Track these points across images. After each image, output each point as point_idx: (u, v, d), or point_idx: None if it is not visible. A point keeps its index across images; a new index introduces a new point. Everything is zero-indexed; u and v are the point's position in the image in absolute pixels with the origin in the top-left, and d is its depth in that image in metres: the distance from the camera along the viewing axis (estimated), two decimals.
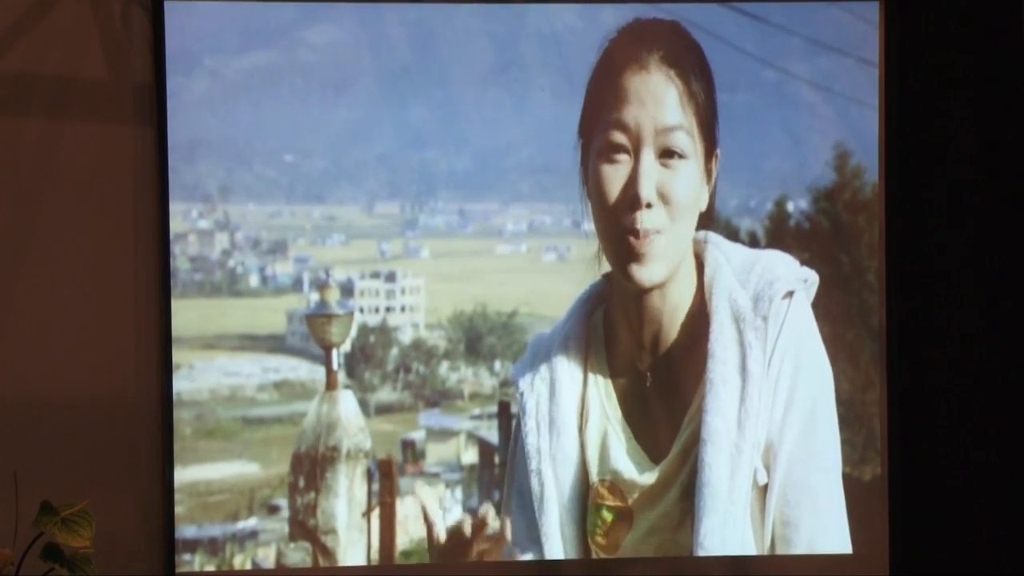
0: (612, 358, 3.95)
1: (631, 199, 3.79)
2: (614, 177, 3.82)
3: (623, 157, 3.81)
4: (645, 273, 3.82)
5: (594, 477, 3.92)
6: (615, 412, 3.91)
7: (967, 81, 4.27)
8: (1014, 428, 4.28)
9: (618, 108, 3.83)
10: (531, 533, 3.95)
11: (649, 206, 3.78)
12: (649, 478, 3.89)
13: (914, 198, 4.25)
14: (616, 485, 3.91)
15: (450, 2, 4.15)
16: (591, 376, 3.94)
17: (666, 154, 3.80)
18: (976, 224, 4.29)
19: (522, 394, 3.95)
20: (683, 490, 3.86)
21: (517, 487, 4.00)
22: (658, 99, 3.82)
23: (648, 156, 3.78)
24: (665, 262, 3.82)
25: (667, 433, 3.91)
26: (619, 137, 3.81)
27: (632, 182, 3.79)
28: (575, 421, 3.92)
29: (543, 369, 3.96)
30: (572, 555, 3.98)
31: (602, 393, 3.92)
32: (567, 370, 3.93)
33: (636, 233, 3.79)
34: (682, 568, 3.97)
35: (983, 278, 4.29)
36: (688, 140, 3.81)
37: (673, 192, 3.79)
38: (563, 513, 3.91)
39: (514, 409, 4.18)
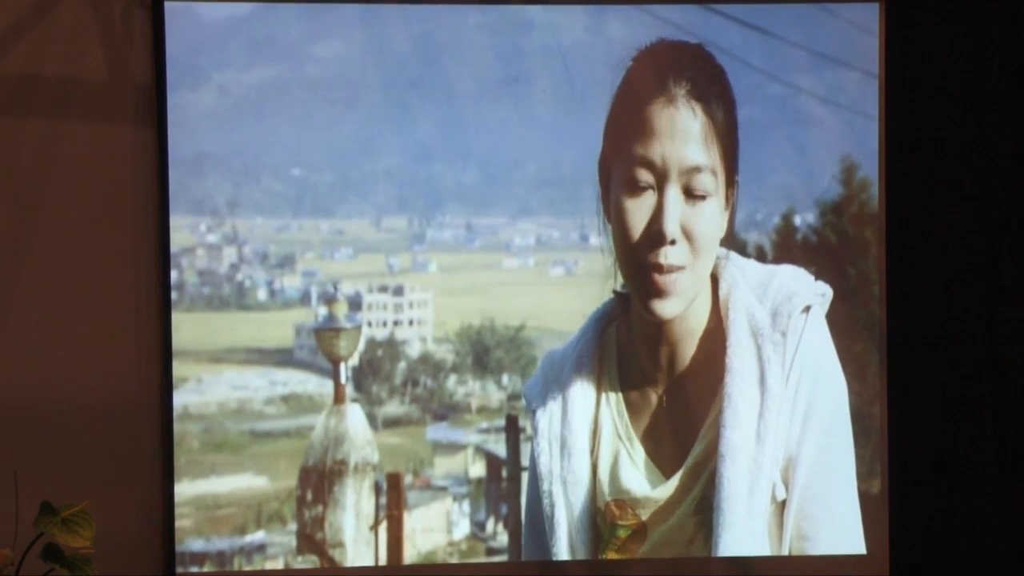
0: (625, 376, 3.94)
1: (655, 235, 3.77)
2: (637, 211, 3.80)
3: (647, 192, 3.79)
4: (666, 308, 3.81)
5: (606, 496, 3.91)
6: (626, 430, 3.90)
7: (968, 90, 4.28)
8: (1014, 434, 4.28)
9: (643, 142, 3.80)
10: (542, 554, 3.94)
11: (673, 243, 3.76)
12: (661, 492, 3.87)
13: (915, 209, 4.26)
14: (628, 502, 3.89)
15: (455, 3, 4.17)
16: (603, 395, 3.93)
17: (691, 192, 3.78)
18: (979, 234, 4.29)
19: (534, 413, 3.95)
20: (696, 504, 3.85)
21: (528, 508, 4.00)
22: (685, 136, 3.79)
23: (673, 192, 3.77)
24: (685, 298, 3.81)
25: (680, 447, 3.90)
26: (644, 174, 3.78)
27: (657, 218, 3.77)
28: (587, 443, 3.91)
29: (555, 389, 3.94)
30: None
31: (614, 411, 3.91)
32: (580, 390, 3.92)
33: (660, 269, 3.77)
34: (682, 568, 3.96)
35: (986, 289, 4.29)
36: (712, 179, 3.79)
37: (696, 229, 3.78)
38: (573, 534, 3.90)
39: (522, 423, 4.19)
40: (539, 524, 3.94)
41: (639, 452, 3.89)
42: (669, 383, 3.92)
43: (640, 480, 3.88)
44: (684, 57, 3.94)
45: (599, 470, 3.90)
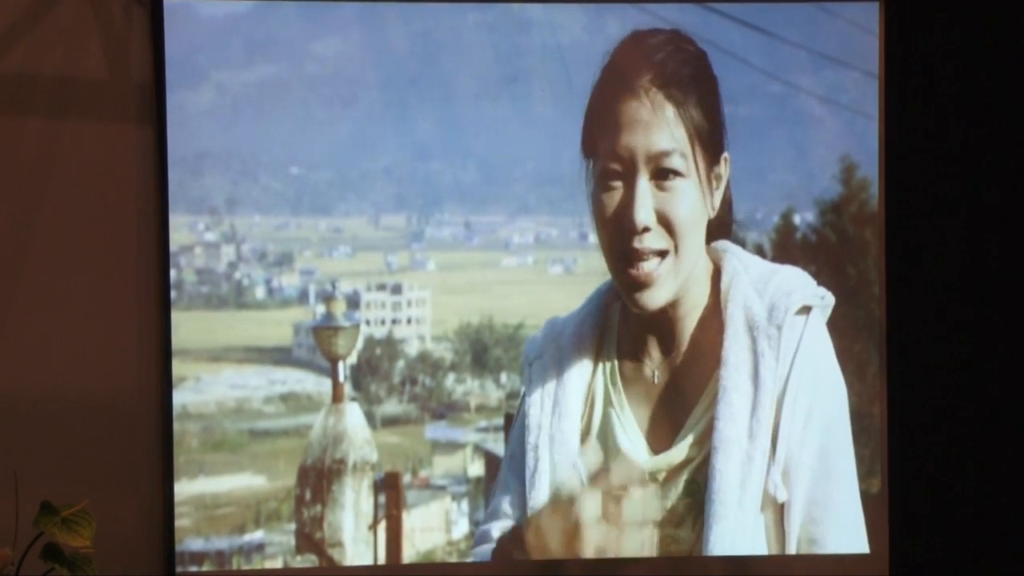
0: (622, 349, 3.95)
1: (627, 224, 3.80)
2: (610, 204, 3.83)
3: (617, 183, 3.82)
4: (649, 299, 3.83)
5: (594, 464, 3.90)
6: (620, 399, 3.91)
7: (968, 90, 4.29)
8: (1014, 433, 4.30)
9: (611, 136, 3.83)
10: (517, 503, 3.93)
11: (647, 230, 3.78)
12: (650, 466, 3.89)
13: (915, 209, 4.26)
14: (616, 473, 3.90)
15: (455, 2, 4.17)
16: (600, 364, 3.94)
17: (662, 175, 3.79)
18: (979, 234, 4.30)
19: (530, 365, 3.95)
20: (686, 487, 3.86)
21: (511, 456, 3.99)
22: (648, 125, 3.81)
23: (642, 181, 3.79)
24: (669, 286, 3.83)
25: (671, 427, 3.91)
26: (613, 165, 3.82)
27: (627, 208, 3.80)
28: (580, 406, 3.92)
29: (554, 349, 3.96)
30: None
31: (608, 381, 3.92)
32: (577, 355, 3.93)
33: (636, 254, 3.79)
34: (682, 568, 3.96)
35: (985, 289, 4.30)
36: (681, 160, 3.80)
37: (673, 214, 3.79)
38: (554, 492, 3.90)
39: (522, 390, 4.17)
40: (519, 474, 3.94)
41: (631, 423, 3.90)
42: (663, 362, 3.93)
43: (630, 448, 3.89)
44: (653, 45, 3.96)
45: (590, 435, 3.91)
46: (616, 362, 3.94)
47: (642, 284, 3.81)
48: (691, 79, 3.88)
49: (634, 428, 3.90)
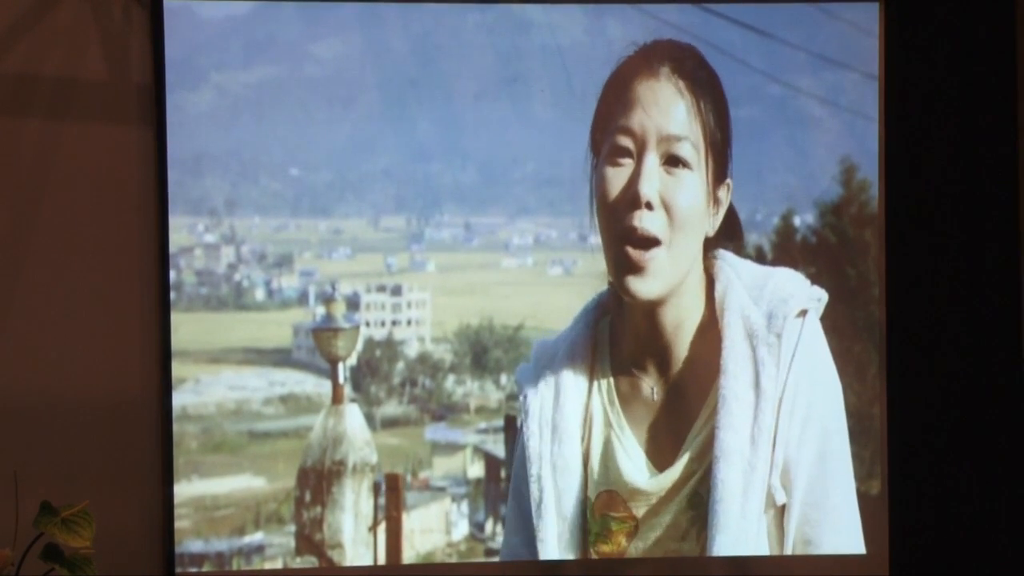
0: (617, 367, 3.92)
1: (631, 198, 3.76)
2: (616, 178, 3.79)
3: (627, 160, 3.78)
4: (642, 287, 3.78)
5: (597, 486, 3.89)
6: (619, 420, 3.89)
7: (967, 91, 4.29)
8: (1014, 434, 4.30)
9: (625, 114, 3.81)
10: (527, 538, 3.92)
11: (649, 207, 3.74)
12: (653, 487, 3.86)
13: (915, 210, 4.26)
14: (619, 494, 3.88)
15: (454, 3, 4.17)
16: (596, 384, 3.91)
17: (670, 161, 3.77)
18: (978, 235, 4.30)
19: (525, 397, 3.91)
20: (689, 501, 3.84)
21: (515, 491, 3.97)
22: (665, 108, 3.79)
23: (651, 159, 3.76)
24: (663, 279, 3.79)
25: (672, 443, 3.88)
26: (624, 141, 3.79)
27: (633, 182, 3.76)
28: (578, 430, 3.89)
29: (547, 374, 3.91)
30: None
31: (606, 401, 3.90)
32: (572, 377, 3.90)
33: (635, 233, 3.76)
34: (682, 568, 3.95)
35: (985, 290, 4.30)
36: (693, 152, 3.78)
37: (675, 199, 3.76)
38: (561, 521, 3.88)
39: (520, 421, 4.18)
40: (525, 509, 3.92)
41: (632, 443, 3.88)
42: (661, 377, 3.90)
43: (633, 471, 3.86)
44: (674, 48, 3.94)
45: (591, 459, 3.89)
46: (612, 380, 3.92)
47: (636, 267, 3.77)
48: (708, 84, 3.87)
49: (636, 448, 3.88)
